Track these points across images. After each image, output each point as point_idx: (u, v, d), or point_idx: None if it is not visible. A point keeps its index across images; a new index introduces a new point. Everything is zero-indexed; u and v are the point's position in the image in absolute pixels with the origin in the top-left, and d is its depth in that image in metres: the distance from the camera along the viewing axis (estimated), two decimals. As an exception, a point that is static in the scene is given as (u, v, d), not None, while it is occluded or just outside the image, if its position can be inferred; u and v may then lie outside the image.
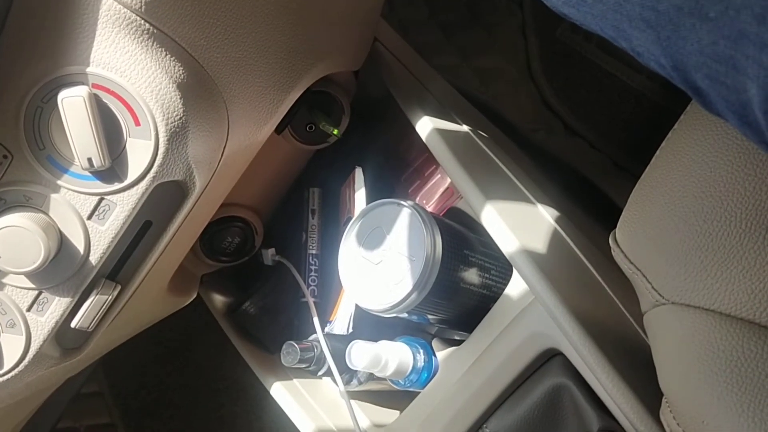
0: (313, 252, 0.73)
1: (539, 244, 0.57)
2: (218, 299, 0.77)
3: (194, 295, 0.73)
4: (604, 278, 0.59)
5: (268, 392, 0.70)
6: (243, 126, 0.55)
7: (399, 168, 0.73)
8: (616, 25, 0.34)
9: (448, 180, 0.67)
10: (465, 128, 0.67)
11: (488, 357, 0.57)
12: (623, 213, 0.48)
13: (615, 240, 0.47)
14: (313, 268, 0.73)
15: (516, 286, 0.58)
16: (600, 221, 0.78)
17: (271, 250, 0.75)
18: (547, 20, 1.11)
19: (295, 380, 0.71)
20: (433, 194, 0.68)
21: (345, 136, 0.71)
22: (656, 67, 0.35)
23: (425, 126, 0.62)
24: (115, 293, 0.51)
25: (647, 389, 0.50)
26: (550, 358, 0.54)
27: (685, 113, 0.46)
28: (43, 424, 0.87)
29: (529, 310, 0.55)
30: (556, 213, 0.64)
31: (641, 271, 0.44)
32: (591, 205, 0.88)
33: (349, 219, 0.69)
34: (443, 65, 1.01)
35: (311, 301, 0.68)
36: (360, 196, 0.65)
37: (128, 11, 0.43)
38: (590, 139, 1.09)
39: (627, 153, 1.06)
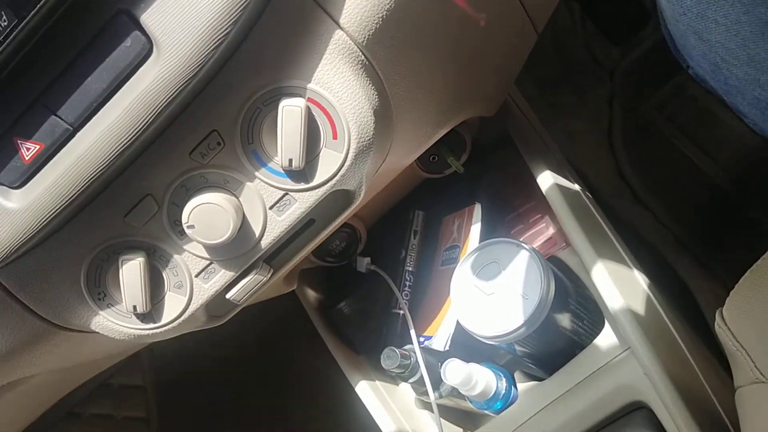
0: (410, 269, 0.80)
1: (637, 304, 0.63)
2: (311, 295, 0.83)
3: (295, 286, 0.79)
4: (686, 347, 0.65)
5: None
6: (398, 151, 0.61)
7: (503, 209, 0.79)
8: None
9: (551, 230, 0.73)
10: (576, 187, 0.73)
11: (572, 398, 0.63)
12: (732, 294, 0.54)
13: (722, 317, 0.53)
14: (407, 283, 0.79)
15: (606, 339, 0.64)
16: (665, 291, 0.84)
17: (367, 259, 0.82)
18: (635, 95, 1.18)
19: (377, 382, 0.77)
20: (534, 240, 0.74)
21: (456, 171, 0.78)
22: None
23: (546, 180, 0.69)
24: (269, 276, 0.58)
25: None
26: (635, 410, 0.60)
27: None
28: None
29: (620, 363, 0.61)
30: (646, 279, 0.70)
31: (746, 350, 0.50)
32: (657, 276, 0.95)
33: (454, 247, 0.76)
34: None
35: (407, 312, 0.74)
36: (476, 229, 0.71)
37: (353, 43, 0.50)
38: (656, 213, 1.14)
39: (689, 233, 1.12)
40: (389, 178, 0.67)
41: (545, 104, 1.18)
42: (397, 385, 0.79)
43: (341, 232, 0.79)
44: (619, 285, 0.62)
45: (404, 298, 0.78)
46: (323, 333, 0.79)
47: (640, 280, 0.69)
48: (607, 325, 0.64)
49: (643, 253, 1.08)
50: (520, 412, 0.67)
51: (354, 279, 0.83)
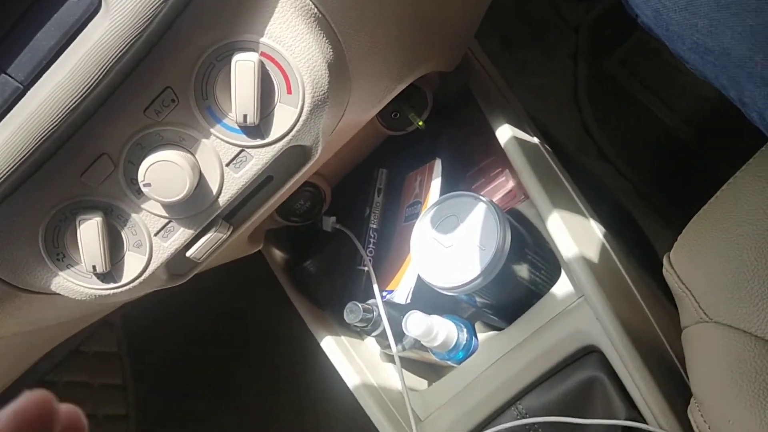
0: (374, 227, 0.81)
1: (591, 252, 0.65)
2: (277, 254, 0.84)
3: (260, 246, 0.80)
4: (639, 292, 0.67)
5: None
6: (357, 106, 0.62)
7: (464, 164, 0.80)
8: (733, 77, 0.41)
9: (511, 183, 0.74)
10: (535, 140, 0.74)
11: (529, 345, 0.65)
12: (679, 239, 0.56)
13: (669, 261, 0.55)
14: (372, 240, 0.80)
15: (562, 287, 0.66)
16: (625, 240, 0.86)
17: (333, 218, 0.82)
18: (599, 50, 1.19)
19: (342, 337, 0.78)
20: (494, 194, 0.75)
21: (419, 127, 0.78)
22: (756, 118, 0.42)
23: (505, 133, 0.70)
24: (228, 233, 0.58)
25: (669, 391, 0.58)
26: (588, 353, 0.62)
27: (753, 159, 0.53)
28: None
29: (574, 309, 0.63)
30: (602, 229, 0.72)
31: (690, 291, 0.52)
32: (616, 223, 0.97)
33: (416, 203, 0.77)
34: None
35: (371, 268, 0.75)
36: (436, 185, 0.72)
37: (305, -3, 0.50)
38: (619, 167, 1.17)
39: (650, 184, 1.15)
40: (349, 135, 0.67)
41: (510, 61, 1.19)
42: (363, 339, 0.81)
43: (305, 192, 0.80)
44: (574, 234, 0.64)
45: (369, 255, 0.79)
46: (289, 291, 0.80)
47: (596, 229, 0.71)
48: (563, 274, 0.66)
49: (607, 206, 1.11)
50: (480, 361, 0.69)
51: (320, 238, 0.84)
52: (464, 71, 0.78)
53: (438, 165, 0.74)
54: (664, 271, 0.56)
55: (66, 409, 0.22)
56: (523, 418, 0.63)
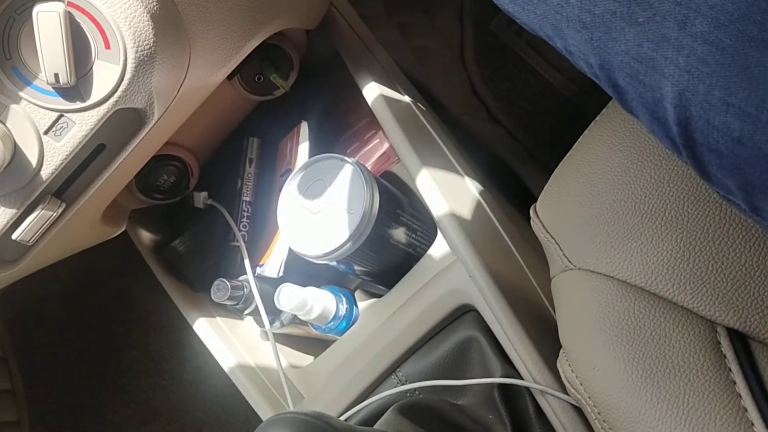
0: (247, 199, 0.76)
1: (464, 211, 0.63)
2: (145, 235, 0.78)
3: (123, 228, 0.74)
4: (516, 248, 0.66)
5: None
6: (202, 65, 0.56)
7: (338, 129, 0.76)
8: (555, 24, 0.39)
9: (386, 145, 0.71)
10: (407, 98, 0.71)
11: (406, 309, 0.62)
12: (545, 188, 0.54)
13: (535, 211, 0.53)
14: (245, 214, 0.75)
15: (438, 248, 0.63)
16: (513, 201, 0.85)
17: (204, 194, 0.77)
18: (484, 11, 1.17)
19: (218, 318, 0.73)
20: (370, 157, 0.72)
21: (289, 92, 0.73)
22: (584, 66, 0.40)
23: (372, 91, 0.66)
24: (60, 210, 0.52)
25: (544, 345, 0.57)
26: (464, 313, 0.60)
27: (606, 108, 0.52)
28: None
29: (448, 269, 0.60)
30: (479, 187, 0.70)
31: (555, 240, 0.50)
32: (506, 186, 0.96)
33: (288, 171, 0.72)
34: (383, 40, 1.06)
35: (243, 243, 0.70)
36: (303, 149, 0.68)
37: (113, -64, 0.44)
38: (509, 128, 1.16)
39: (541, 145, 1.15)
40: (201, 98, 0.62)
41: (394, 25, 1.15)
42: (242, 320, 0.76)
43: (168, 167, 0.74)
44: (446, 192, 0.61)
45: (242, 229, 0.74)
46: (158, 273, 0.74)
47: (471, 188, 0.68)
48: (439, 234, 0.63)
49: (498, 168, 1.10)
50: (360, 330, 0.66)
51: (192, 216, 0.78)
52: (334, 34, 0.74)
53: (305, 128, 0.70)
54: (531, 222, 0.54)
55: None
56: (403, 384, 0.60)
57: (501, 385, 0.56)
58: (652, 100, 0.35)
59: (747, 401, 0.41)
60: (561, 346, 0.51)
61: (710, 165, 0.33)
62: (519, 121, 1.15)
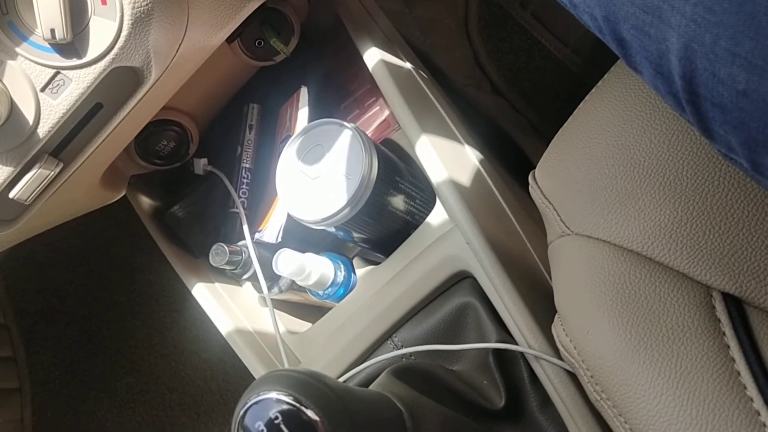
0: (247, 166, 0.76)
1: (463, 178, 0.63)
2: (145, 201, 0.78)
3: (122, 193, 0.74)
4: (514, 216, 0.65)
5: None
6: (200, 26, 0.56)
7: (339, 95, 0.76)
8: None
9: (386, 113, 0.71)
10: (408, 65, 0.71)
11: (404, 276, 0.62)
12: (543, 155, 0.53)
13: (534, 178, 0.53)
14: (245, 180, 0.75)
15: (437, 216, 0.63)
16: (512, 171, 0.84)
17: (204, 160, 0.77)
18: (489, -18, 1.16)
19: (217, 284, 0.73)
20: (370, 124, 0.71)
21: (290, 58, 0.73)
22: (588, 20, 0.40)
23: (373, 56, 0.66)
24: (57, 170, 0.52)
25: (540, 312, 0.57)
26: (461, 280, 0.60)
27: (607, 74, 0.52)
28: None
29: (446, 236, 0.60)
30: (479, 155, 0.70)
31: (553, 206, 0.50)
32: (507, 158, 0.95)
33: (288, 137, 0.72)
34: (387, 9, 1.05)
35: (242, 209, 0.70)
36: (303, 114, 0.67)
37: None
38: (512, 101, 1.15)
39: (544, 118, 1.14)
40: (200, 61, 0.61)
41: (398, -6, 1.14)
42: (241, 286, 0.76)
43: (168, 131, 0.73)
44: (445, 159, 0.61)
45: (242, 196, 0.74)
46: (157, 238, 0.74)
47: (471, 156, 0.68)
48: (437, 203, 0.63)
49: (500, 139, 1.09)
50: (357, 297, 0.66)
51: (192, 182, 0.78)
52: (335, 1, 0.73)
53: (304, 93, 0.69)
54: (530, 188, 0.53)
55: None
56: (399, 349, 0.61)
57: (496, 351, 0.56)
58: (657, 53, 0.34)
59: (740, 365, 0.41)
60: (556, 313, 0.51)
61: (713, 121, 0.33)
62: (522, 94, 1.14)
